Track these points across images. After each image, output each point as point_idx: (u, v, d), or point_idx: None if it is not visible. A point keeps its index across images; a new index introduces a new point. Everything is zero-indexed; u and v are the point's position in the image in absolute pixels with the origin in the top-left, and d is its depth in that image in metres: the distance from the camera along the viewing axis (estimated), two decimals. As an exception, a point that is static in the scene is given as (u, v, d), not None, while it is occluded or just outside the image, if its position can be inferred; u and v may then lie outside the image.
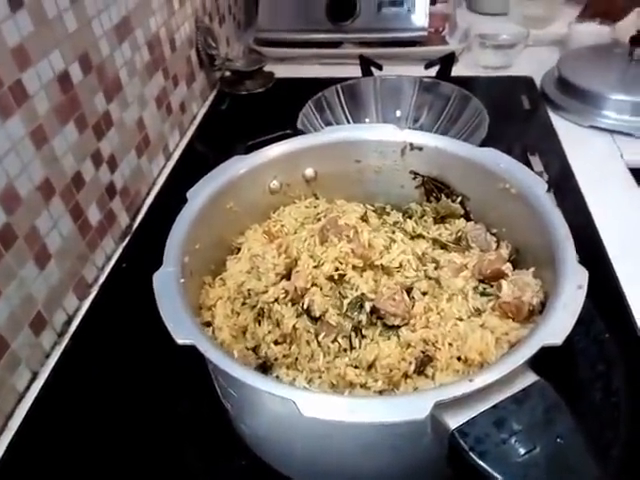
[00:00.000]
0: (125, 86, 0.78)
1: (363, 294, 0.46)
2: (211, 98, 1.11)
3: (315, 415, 0.32)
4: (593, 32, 1.13)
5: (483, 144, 0.74)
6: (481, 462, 0.31)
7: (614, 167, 0.85)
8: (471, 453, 0.31)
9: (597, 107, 0.94)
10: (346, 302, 0.46)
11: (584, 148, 0.89)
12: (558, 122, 0.95)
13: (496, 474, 0.31)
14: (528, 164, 0.79)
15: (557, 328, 0.35)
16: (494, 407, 0.33)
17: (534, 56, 1.14)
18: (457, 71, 1.04)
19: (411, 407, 0.32)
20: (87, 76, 0.69)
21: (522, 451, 0.31)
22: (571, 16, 1.19)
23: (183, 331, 0.37)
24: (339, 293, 0.47)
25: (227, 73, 1.12)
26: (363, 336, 0.45)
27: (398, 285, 0.46)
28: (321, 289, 0.47)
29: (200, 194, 0.50)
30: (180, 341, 0.37)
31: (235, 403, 0.44)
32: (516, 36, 1.11)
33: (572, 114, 0.96)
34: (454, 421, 0.33)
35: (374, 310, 0.45)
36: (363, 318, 0.45)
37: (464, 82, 0.94)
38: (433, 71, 1.00)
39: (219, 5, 1.17)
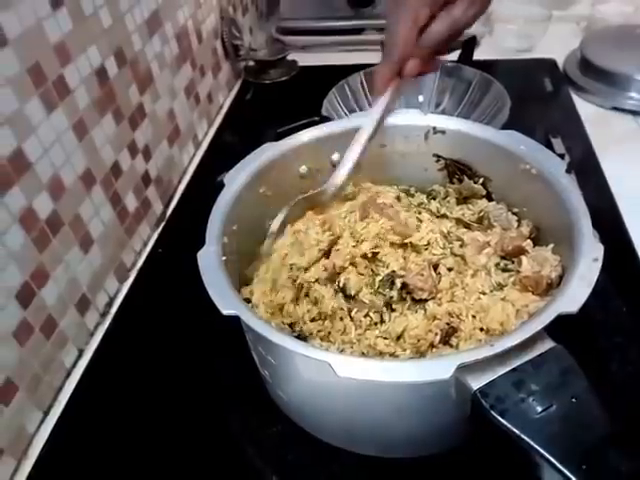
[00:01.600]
0: (156, 78, 0.81)
1: (394, 271, 0.48)
2: (236, 88, 1.14)
3: (349, 375, 0.35)
4: (616, 13, 1.13)
5: (505, 127, 0.75)
6: (501, 419, 0.34)
7: (636, 148, 0.85)
8: (492, 411, 0.34)
9: (620, 88, 0.94)
10: (378, 279, 0.48)
11: (606, 129, 0.89)
12: (581, 104, 0.96)
13: (515, 429, 0.33)
14: (550, 146, 0.80)
15: (573, 298, 0.38)
16: (513, 370, 0.36)
17: (557, 38, 1.13)
18: (479, 55, 1.04)
19: (437, 368, 0.35)
20: (122, 70, 0.72)
21: (539, 409, 0.34)
22: (594, -4, 1.19)
23: (227, 303, 0.41)
24: (372, 270, 0.49)
25: (251, 63, 1.14)
26: (393, 310, 0.48)
27: (426, 262, 0.48)
28: (356, 267, 0.49)
29: (236, 179, 0.53)
30: (225, 312, 0.40)
31: (273, 371, 0.48)
32: (539, 18, 1.11)
33: (595, 95, 0.96)
34: (476, 383, 0.35)
35: (403, 285, 0.48)
36: (394, 294, 0.48)
37: (486, 66, 0.94)
38: (455, 55, 1.01)
39: (242, -5, 1.20)
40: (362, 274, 0.49)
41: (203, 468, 0.51)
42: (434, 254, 0.50)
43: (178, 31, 0.88)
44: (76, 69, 0.63)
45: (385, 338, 0.46)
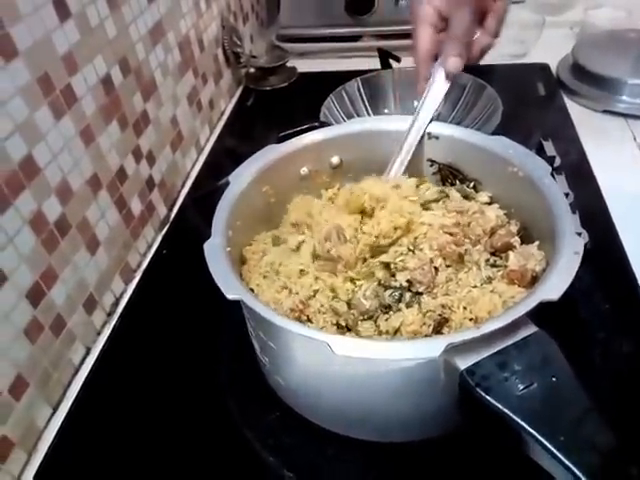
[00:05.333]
0: (159, 86, 0.84)
1: (402, 287, 0.49)
2: (237, 94, 1.16)
3: (346, 353, 0.37)
4: (609, 17, 1.15)
5: (497, 130, 0.78)
6: (486, 396, 0.36)
7: (627, 150, 0.87)
8: (477, 389, 0.36)
9: (611, 92, 0.96)
10: (387, 294, 0.50)
11: (598, 132, 0.91)
12: (573, 107, 0.98)
13: (498, 404, 0.36)
14: (542, 149, 0.82)
15: (554, 287, 0.40)
16: (498, 352, 0.38)
17: (551, 43, 1.15)
18: (475, 60, 1.07)
19: (427, 347, 0.38)
20: (126, 78, 0.74)
21: (521, 387, 0.36)
22: (587, 2, 1.21)
23: (231, 289, 0.43)
24: (381, 284, 0.50)
25: (252, 69, 1.17)
26: (390, 309, 0.50)
27: (427, 256, 0.50)
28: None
29: (240, 177, 0.56)
30: (230, 296, 0.42)
31: (272, 356, 0.50)
32: (532, 23, 1.13)
33: (587, 99, 0.98)
34: (463, 363, 0.38)
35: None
36: (402, 306, 0.49)
37: (481, 71, 0.96)
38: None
39: (243, 4, 1.22)
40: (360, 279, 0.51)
41: (205, 453, 0.54)
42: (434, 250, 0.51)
43: (180, 40, 0.91)
44: (83, 78, 0.65)
45: (381, 333, 0.48)
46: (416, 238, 0.52)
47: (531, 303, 0.39)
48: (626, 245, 0.69)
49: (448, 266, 0.51)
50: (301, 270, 0.52)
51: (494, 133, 0.68)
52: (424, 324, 0.47)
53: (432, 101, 0.62)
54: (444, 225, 0.51)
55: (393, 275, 0.51)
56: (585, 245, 0.64)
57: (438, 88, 0.63)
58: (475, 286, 0.49)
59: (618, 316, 0.60)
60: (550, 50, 1.13)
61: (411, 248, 0.51)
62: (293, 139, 0.62)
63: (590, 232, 0.66)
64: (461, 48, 0.60)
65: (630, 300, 0.62)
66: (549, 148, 0.83)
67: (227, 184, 0.56)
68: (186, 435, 0.55)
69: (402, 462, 0.50)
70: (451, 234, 0.51)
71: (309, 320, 0.49)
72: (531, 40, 1.14)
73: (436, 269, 0.50)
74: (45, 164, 0.59)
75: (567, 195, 0.71)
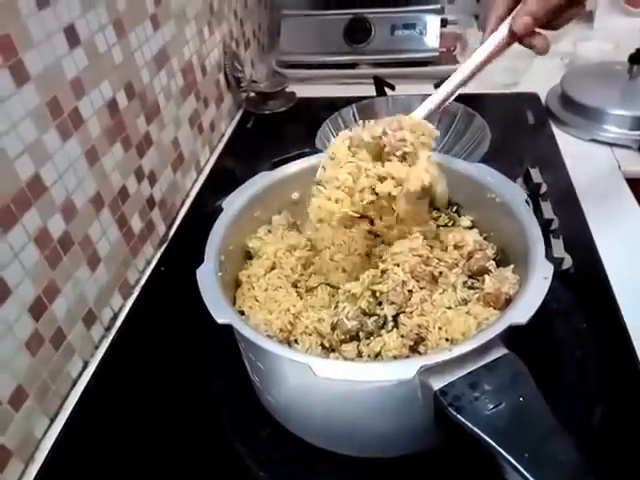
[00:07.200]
0: (162, 109, 0.87)
1: (386, 316, 0.51)
2: (237, 117, 1.20)
3: (326, 375, 0.40)
4: (597, 50, 1.19)
5: (486, 157, 0.81)
6: (458, 415, 0.38)
7: (612, 178, 0.90)
8: (450, 408, 0.39)
9: (598, 122, 1.00)
10: (370, 321, 0.52)
11: (584, 160, 0.94)
12: (561, 136, 1.01)
13: (469, 424, 0.38)
14: (528, 176, 0.85)
15: (523, 311, 0.43)
16: (470, 373, 0.40)
17: (542, 73, 1.18)
18: (468, 88, 1.10)
19: (402, 369, 0.40)
20: (131, 102, 0.78)
21: (490, 406, 0.39)
22: (576, 34, 1.26)
23: (222, 313, 0.45)
24: (365, 313, 0.52)
25: (252, 94, 1.21)
26: (371, 334, 0.52)
27: (400, 278, 0.53)
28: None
29: (233, 204, 0.59)
30: (220, 321, 0.45)
31: (262, 376, 0.52)
32: (524, 53, 1.16)
33: (574, 128, 1.02)
34: (437, 384, 0.40)
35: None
36: (384, 332, 0.51)
37: (473, 99, 0.99)
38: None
39: (244, 31, 1.27)
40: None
41: (198, 468, 0.55)
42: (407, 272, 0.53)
43: (184, 65, 0.94)
44: (90, 102, 0.68)
45: (363, 355, 0.50)
46: (384, 261, 0.54)
47: (501, 326, 0.42)
48: (608, 269, 0.71)
49: (422, 288, 0.53)
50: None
51: (482, 161, 0.71)
52: (403, 346, 0.49)
53: (482, 52, 0.59)
54: (412, 248, 0.54)
55: (380, 304, 0.53)
56: (568, 269, 0.69)
57: (496, 42, 0.58)
58: (450, 307, 0.52)
59: (596, 335, 0.63)
60: (540, 80, 1.17)
61: (384, 270, 0.54)
62: (284, 166, 0.65)
63: (573, 256, 0.69)
64: (537, 9, 0.54)
65: (609, 321, 0.64)
66: (536, 175, 0.86)
67: (221, 210, 0.58)
68: (180, 449, 0.57)
69: (385, 477, 0.52)
70: (420, 255, 0.53)
71: (296, 341, 0.51)
72: (522, 69, 1.17)
73: (410, 291, 0.52)
74: (51, 183, 0.61)
75: (552, 221, 0.74)
